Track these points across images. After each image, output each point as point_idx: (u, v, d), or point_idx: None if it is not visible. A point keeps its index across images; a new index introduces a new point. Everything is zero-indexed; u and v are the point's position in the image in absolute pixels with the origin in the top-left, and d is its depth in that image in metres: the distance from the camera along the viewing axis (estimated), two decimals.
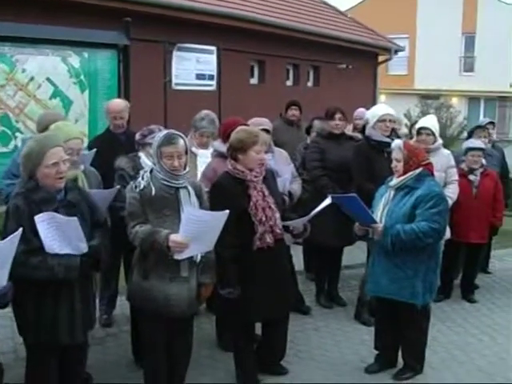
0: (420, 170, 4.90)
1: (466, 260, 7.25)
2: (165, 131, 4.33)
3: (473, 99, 36.68)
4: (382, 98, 35.08)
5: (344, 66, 16.77)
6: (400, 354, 5.20)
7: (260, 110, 9.60)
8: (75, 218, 3.77)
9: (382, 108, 6.34)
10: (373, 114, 6.28)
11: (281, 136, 8.20)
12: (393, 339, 5.14)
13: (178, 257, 4.08)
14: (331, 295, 6.82)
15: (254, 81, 14.40)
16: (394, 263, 4.86)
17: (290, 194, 5.92)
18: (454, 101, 34.23)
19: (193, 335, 4.68)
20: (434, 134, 6.49)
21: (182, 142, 4.19)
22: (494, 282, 7.94)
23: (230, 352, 5.09)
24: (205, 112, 6.06)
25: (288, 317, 5.04)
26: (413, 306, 4.85)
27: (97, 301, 5.85)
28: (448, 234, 6.63)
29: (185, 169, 4.23)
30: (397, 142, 5.09)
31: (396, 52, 19.35)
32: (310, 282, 7.22)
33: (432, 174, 5.01)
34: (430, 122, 6.65)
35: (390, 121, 6.14)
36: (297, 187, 6.06)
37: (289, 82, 15.53)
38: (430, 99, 30.83)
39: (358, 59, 17.30)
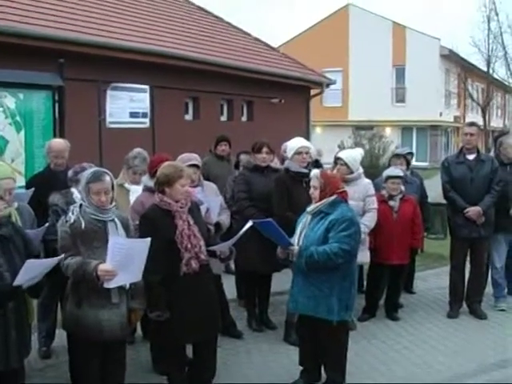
0: (334, 197, 5.33)
1: (389, 281, 7.68)
2: (92, 169, 4.68)
3: (406, 129, 37.97)
4: (317, 130, 35.99)
5: (277, 100, 17.18)
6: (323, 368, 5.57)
7: (195, 146, 9.86)
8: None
9: (299, 141, 6.78)
10: (290, 147, 6.73)
11: (212, 170, 8.63)
12: (315, 354, 5.51)
13: (107, 285, 4.38)
14: (262, 319, 7.15)
15: (188, 117, 14.69)
16: (311, 282, 5.27)
17: (219, 225, 6.29)
18: (388, 131, 35.31)
19: (125, 360, 4.93)
20: (346, 164, 6.94)
21: (108, 178, 4.55)
22: (417, 301, 8.40)
23: (165, 376, 5.36)
24: (137, 150, 6.43)
25: (216, 337, 5.34)
26: (330, 322, 5.23)
27: (36, 334, 6.14)
28: (367, 257, 7.12)
29: (111, 203, 4.56)
30: (315, 171, 5.55)
31: (327, 85, 19.88)
32: (243, 309, 7.52)
33: (346, 201, 5.44)
34: (346, 153, 7.11)
35: (306, 153, 6.59)
36: (225, 218, 6.44)
37: (223, 118, 15.84)
38: (364, 130, 31.72)
39: (291, 93, 17.76)
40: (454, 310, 7.72)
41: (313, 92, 19.62)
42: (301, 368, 5.65)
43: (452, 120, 40.03)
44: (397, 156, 8.58)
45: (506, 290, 8.21)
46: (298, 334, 5.91)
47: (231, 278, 8.06)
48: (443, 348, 6.62)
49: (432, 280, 9.48)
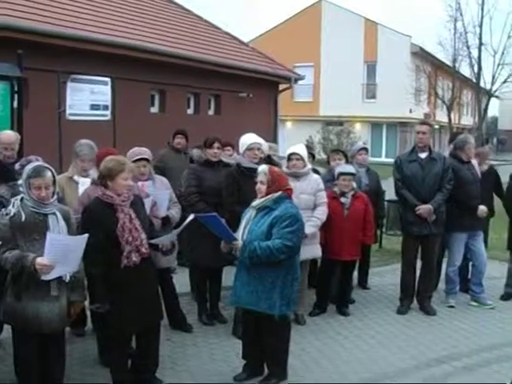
0: (280, 193, 5.38)
1: (340, 276, 7.76)
2: (34, 164, 4.72)
3: (376, 125, 38.24)
4: (288, 124, 36.12)
5: (245, 94, 17.21)
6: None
7: (161, 139, 9.90)
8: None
9: (251, 137, 6.82)
10: (242, 143, 6.78)
11: (169, 163, 8.71)
12: (258, 348, 5.57)
13: (44, 278, 4.44)
14: (213, 313, 7.20)
15: (154, 110, 14.69)
16: (254, 277, 5.32)
17: (168, 218, 6.33)
18: (358, 127, 35.58)
19: (65, 351, 4.99)
20: (303, 159, 7.01)
21: (49, 173, 4.60)
22: (370, 297, 8.50)
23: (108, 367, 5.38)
24: (83, 140, 6.49)
25: (159, 328, 5.41)
26: (272, 316, 5.29)
27: None
28: (320, 252, 7.20)
29: (52, 197, 4.61)
30: (263, 167, 5.58)
31: (296, 81, 19.94)
32: (195, 302, 7.57)
33: (290, 198, 5.50)
34: (300, 148, 7.18)
35: (258, 149, 6.65)
36: (175, 212, 6.48)
37: (190, 111, 15.86)
38: (335, 125, 31.93)
39: (259, 88, 17.79)
40: (404, 306, 7.83)
41: (281, 87, 19.67)
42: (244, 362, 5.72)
43: (422, 117, 40.40)
44: (335, 151, 8.69)
45: (458, 287, 8.34)
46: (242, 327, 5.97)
47: (186, 270, 8.08)
48: (389, 344, 6.72)
49: (387, 276, 9.58)
